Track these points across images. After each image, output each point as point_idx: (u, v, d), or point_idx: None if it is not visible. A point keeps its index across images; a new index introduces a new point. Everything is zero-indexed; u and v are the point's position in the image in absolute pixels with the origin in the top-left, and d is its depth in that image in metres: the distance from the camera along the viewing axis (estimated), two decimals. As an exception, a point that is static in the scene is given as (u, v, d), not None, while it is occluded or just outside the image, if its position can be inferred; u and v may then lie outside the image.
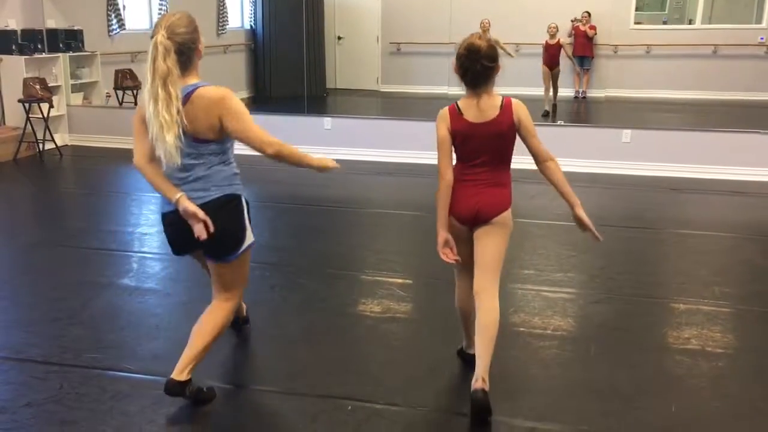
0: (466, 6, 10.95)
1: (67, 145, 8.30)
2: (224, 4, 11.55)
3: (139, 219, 5.56)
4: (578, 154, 7.02)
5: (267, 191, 6.08)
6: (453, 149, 2.79)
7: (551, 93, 10.20)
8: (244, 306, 3.44)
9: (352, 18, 12.98)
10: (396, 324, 3.67)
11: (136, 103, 9.08)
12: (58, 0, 8.32)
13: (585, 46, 11.78)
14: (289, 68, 11.09)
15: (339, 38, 13.05)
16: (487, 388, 2.68)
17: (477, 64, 2.65)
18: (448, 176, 2.75)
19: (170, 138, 2.48)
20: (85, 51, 8.59)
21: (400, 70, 12.90)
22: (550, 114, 9.83)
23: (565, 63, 10.35)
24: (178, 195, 2.61)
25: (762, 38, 11.69)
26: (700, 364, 3.23)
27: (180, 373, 2.74)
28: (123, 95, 9.14)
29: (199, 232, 2.61)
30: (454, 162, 2.81)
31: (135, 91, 9.17)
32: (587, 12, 11.63)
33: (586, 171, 6.88)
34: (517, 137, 2.77)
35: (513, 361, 3.24)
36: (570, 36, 11.75)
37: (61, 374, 3.07)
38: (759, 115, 10.31)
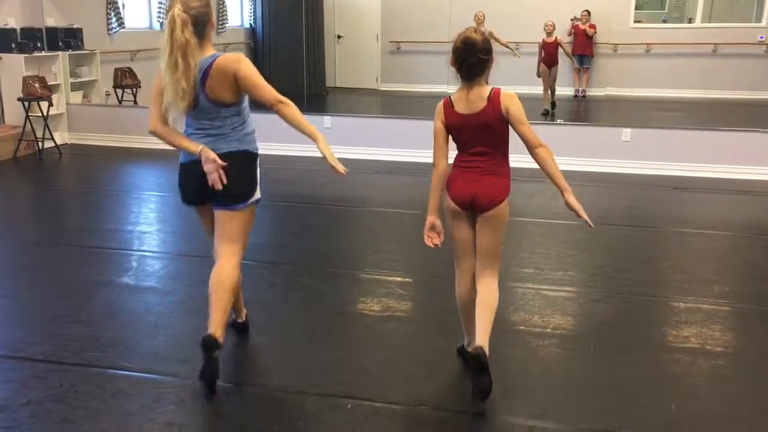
0: (465, 5, 10.92)
1: (66, 143, 8.29)
2: (224, 3, 11.55)
3: (139, 217, 5.55)
4: (578, 152, 7.02)
5: (266, 190, 6.03)
6: (452, 139, 2.90)
7: (550, 92, 10.18)
8: (245, 311, 3.44)
9: (352, 17, 12.97)
10: (395, 322, 3.67)
11: (135, 102, 9.09)
12: (57, -2, 8.32)
13: (585, 45, 11.78)
14: (289, 67, 11.08)
15: (339, 37, 13.04)
16: (487, 353, 2.73)
17: (473, 56, 2.75)
18: (441, 166, 2.86)
19: (183, 105, 2.78)
20: (85, 49, 8.58)
21: (399, 68, 12.89)
22: (549, 113, 9.80)
23: (563, 62, 10.30)
24: (200, 147, 2.88)
25: (762, 37, 11.69)
26: (700, 362, 3.24)
27: (217, 329, 2.88)
28: (122, 94, 9.14)
29: (214, 181, 2.86)
30: (455, 151, 2.92)
31: (134, 90, 9.16)
32: (587, 11, 11.63)
33: (586, 170, 6.88)
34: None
35: (513, 360, 3.24)
36: (570, 35, 11.74)
37: (61, 372, 3.06)
38: (759, 113, 10.30)
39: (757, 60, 11.76)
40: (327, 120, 7.66)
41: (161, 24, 10.13)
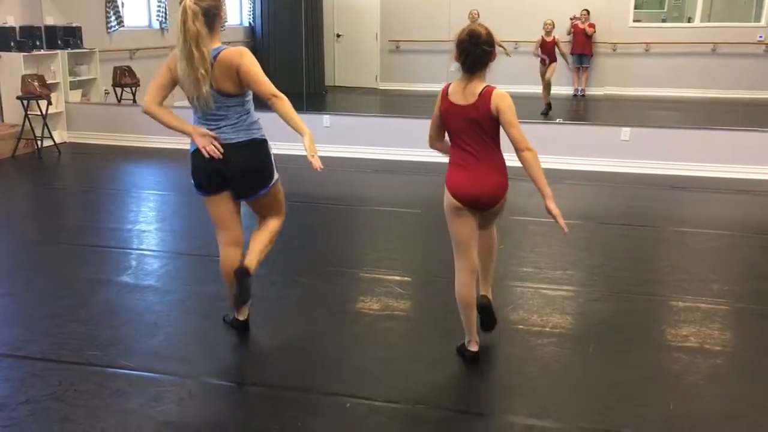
0: (464, 4, 10.92)
1: (65, 142, 8.29)
2: (223, 1, 11.52)
3: (138, 216, 5.55)
4: (577, 152, 7.03)
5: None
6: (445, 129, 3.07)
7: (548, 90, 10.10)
8: (246, 310, 3.45)
9: (351, 16, 12.96)
10: (395, 321, 3.67)
11: (134, 101, 9.08)
12: (56, -3, 8.31)
13: (584, 44, 11.78)
14: (288, 66, 11.07)
15: (338, 36, 13.04)
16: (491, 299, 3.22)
17: (477, 49, 2.84)
18: (429, 141, 3.15)
19: (206, 89, 2.93)
20: (84, 48, 8.57)
21: (399, 67, 12.89)
22: (551, 106, 9.66)
23: (560, 61, 10.20)
24: (191, 128, 3.07)
25: (761, 36, 11.69)
26: (699, 361, 3.24)
27: (252, 263, 3.21)
28: (121, 92, 9.13)
29: (211, 152, 3.03)
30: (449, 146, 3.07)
31: (133, 89, 9.15)
32: (586, 10, 11.63)
33: (585, 169, 6.89)
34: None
35: (512, 359, 3.25)
36: (569, 34, 11.74)
37: (60, 371, 3.06)
38: (758, 113, 10.31)
39: (756, 59, 11.77)
40: (326, 119, 7.65)
41: (160, 23, 10.14)
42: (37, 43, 7.96)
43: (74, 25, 8.47)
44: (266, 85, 2.97)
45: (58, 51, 8.14)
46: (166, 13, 10.14)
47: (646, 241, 5.03)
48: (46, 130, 7.66)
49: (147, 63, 9.59)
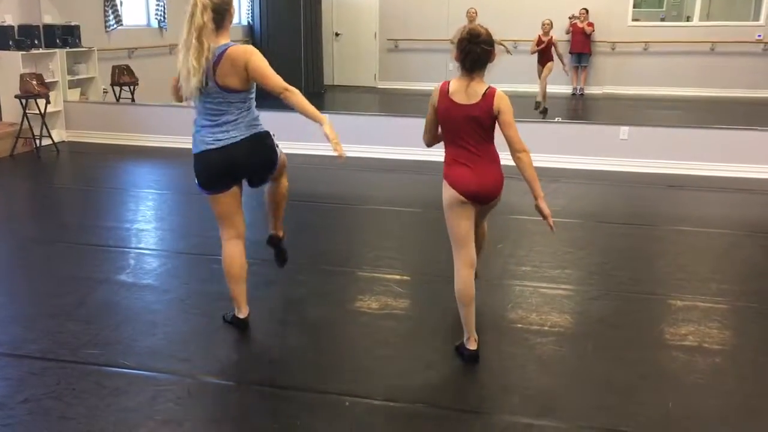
0: (463, 3, 10.93)
1: (64, 141, 8.28)
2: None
3: (137, 215, 5.55)
4: (576, 151, 7.03)
5: (264, 189, 6.06)
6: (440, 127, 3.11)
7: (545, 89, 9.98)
8: (246, 309, 3.45)
9: (350, 15, 12.96)
10: (393, 320, 3.67)
11: (133, 100, 9.07)
12: (54, -5, 8.30)
13: (583, 43, 11.79)
14: (287, 65, 11.06)
15: (337, 35, 13.04)
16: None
17: (477, 47, 2.89)
18: (424, 141, 3.21)
19: (194, 82, 2.98)
20: (82, 47, 8.56)
21: (397, 66, 12.90)
22: (541, 106, 9.49)
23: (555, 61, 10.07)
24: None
25: (759, 35, 11.70)
26: (698, 360, 3.24)
27: (277, 230, 3.72)
28: (120, 91, 9.11)
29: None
30: (444, 145, 3.13)
31: (132, 87, 9.14)
32: (585, 9, 11.64)
33: (584, 168, 6.89)
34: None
35: (510, 358, 3.25)
36: (567, 33, 11.75)
37: (59, 370, 3.06)
38: (756, 111, 10.31)
39: (754, 58, 11.78)
40: (325, 117, 7.64)
41: (159, 22, 10.13)
42: (36, 41, 7.95)
43: (73, 23, 8.45)
44: (277, 80, 3.05)
45: (57, 50, 8.12)
46: (164, 12, 10.13)
47: (644, 240, 5.03)
48: (44, 129, 7.65)
49: (145, 62, 9.59)
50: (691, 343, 3.39)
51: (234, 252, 3.34)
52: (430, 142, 3.21)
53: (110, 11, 9.19)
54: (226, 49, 3.02)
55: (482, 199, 3.04)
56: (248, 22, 12.42)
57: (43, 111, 7.55)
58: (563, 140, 7.12)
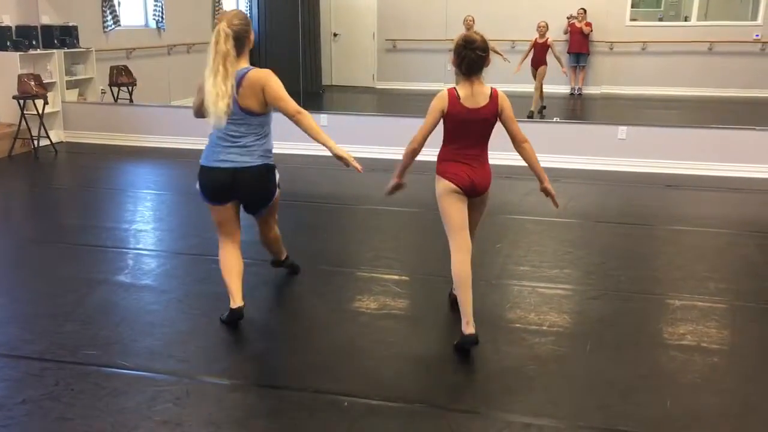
0: (461, 3, 10.93)
1: (62, 141, 8.28)
2: (220, 1, 11.53)
3: (135, 215, 5.54)
4: (574, 150, 7.03)
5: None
6: (443, 130, 3.25)
7: (537, 94, 9.70)
8: (241, 301, 3.45)
9: (348, 15, 12.95)
10: (392, 320, 3.67)
11: (131, 100, 9.06)
12: (52, -4, 8.29)
13: (581, 43, 11.77)
14: (286, 65, 11.05)
15: (335, 35, 13.03)
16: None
17: (473, 53, 3.10)
18: (418, 146, 3.27)
19: (222, 105, 3.13)
20: (80, 47, 8.55)
21: (395, 67, 12.88)
22: (533, 115, 9.28)
23: (554, 64, 9.82)
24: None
25: (757, 35, 11.71)
26: (696, 359, 3.25)
27: (280, 255, 3.95)
28: (118, 92, 9.11)
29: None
30: (442, 144, 3.29)
31: (130, 88, 9.13)
32: (583, 9, 11.63)
33: (582, 168, 6.89)
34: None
35: (509, 357, 3.25)
36: (566, 33, 11.75)
37: (57, 371, 3.06)
38: (754, 111, 10.32)
39: (752, 58, 11.78)
40: (323, 118, 7.65)
41: (157, 22, 10.13)
42: (34, 42, 7.95)
43: (70, 24, 8.45)
44: (291, 103, 3.25)
45: (55, 50, 8.12)
46: (162, 13, 10.13)
47: (642, 240, 5.04)
48: (42, 130, 7.64)
49: (143, 62, 9.59)
50: (689, 343, 3.39)
51: (230, 252, 3.50)
52: (420, 146, 3.28)
53: (108, 12, 9.19)
54: (246, 73, 3.22)
55: (476, 190, 3.26)
56: (246, 23, 12.40)
57: (41, 112, 7.55)
58: (561, 140, 7.12)
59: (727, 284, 4.15)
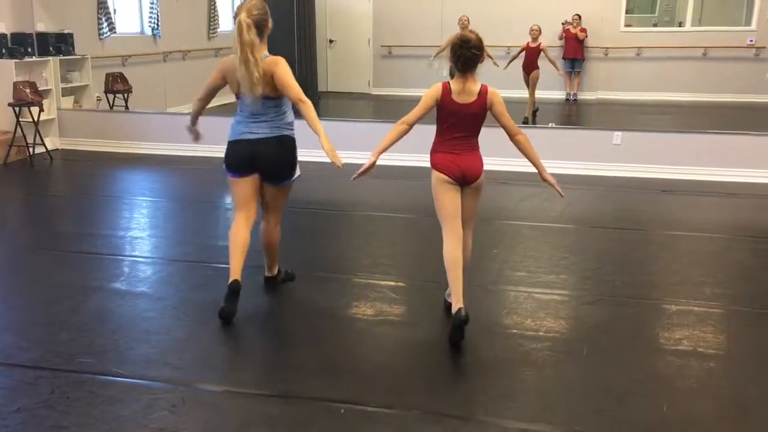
0: (456, 9, 10.97)
1: (57, 148, 8.26)
2: (215, 8, 11.55)
3: (131, 223, 5.54)
4: (569, 156, 7.04)
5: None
6: (436, 120, 3.39)
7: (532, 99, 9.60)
8: (239, 276, 3.55)
9: (344, 21, 12.99)
10: (388, 326, 3.66)
11: (127, 107, 9.06)
12: (48, 3, 8.28)
13: (576, 49, 11.83)
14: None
15: (330, 42, 13.06)
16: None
17: (468, 51, 3.26)
18: (408, 126, 3.36)
19: (260, 89, 3.40)
20: (76, 54, 8.55)
21: (391, 73, 12.92)
22: (529, 121, 9.22)
23: (549, 68, 9.72)
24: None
25: (751, 40, 11.77)
26: (692, 364, 3.25)
27: (271, 270, 4.00)
28: (114, 99, 9.11)
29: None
30: (435, 135, 3.41)
31: (126, 95, 9.13)
32: (578, 15, 11.68)
33: (577, 173, 6.90)
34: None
35: (505, 363, 3.25)
36: (561, 39, 11.79)
37: (52, 379, 3.05)
38: (749, 116, 10.37)
39: (746, 63, 11.84)
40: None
41: (152, 29, 10.14)
42: (29, 49, 7.94)
43: (66, 31, 8.44)
44: (295, 90, 3.43)
45: (50, 58, 8.11)
46: (158, 20, 10.14)
47: (638, 245, 5.04)
48: (38, 137, 7.63)
49: (139, 69, 9.59)
50: (685, 348, 3.40)
51: (240, 227, 3.65)
52: (409, 127, 3.37)
53: (104, 19, 9.19)
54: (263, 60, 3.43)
55: (467, 178, 3.36)
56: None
57: (36, 119, 7.54)
58: (557, 146, 7.13)
59: (722, 289, 4.16)
